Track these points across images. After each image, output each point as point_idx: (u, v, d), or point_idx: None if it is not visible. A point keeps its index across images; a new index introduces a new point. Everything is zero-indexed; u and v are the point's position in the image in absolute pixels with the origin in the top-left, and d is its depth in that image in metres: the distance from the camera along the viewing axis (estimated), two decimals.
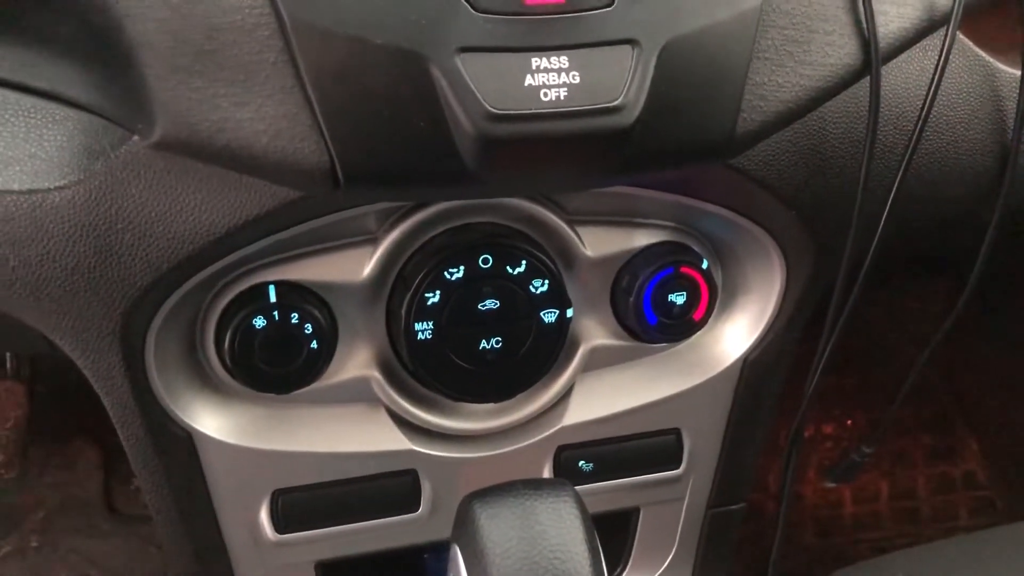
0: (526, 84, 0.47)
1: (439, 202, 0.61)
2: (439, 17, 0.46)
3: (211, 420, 0.64)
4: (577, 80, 0.48)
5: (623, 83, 0.49)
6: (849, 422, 1.53)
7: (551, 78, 0.48)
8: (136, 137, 0.51)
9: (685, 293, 0.67)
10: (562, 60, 0.48)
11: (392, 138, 0.48)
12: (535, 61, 0.48)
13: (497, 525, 0.55)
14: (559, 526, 0.55)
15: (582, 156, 0.51)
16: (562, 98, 0.48)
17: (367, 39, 0.46)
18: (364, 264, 0.62)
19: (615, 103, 0.48)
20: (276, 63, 0.47)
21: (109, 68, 0.50)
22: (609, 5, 0.48)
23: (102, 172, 0.52)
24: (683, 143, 0.52)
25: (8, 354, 1.27)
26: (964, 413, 1.55)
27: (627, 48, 0.49)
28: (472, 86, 0.47)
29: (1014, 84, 0.66)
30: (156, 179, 0.52)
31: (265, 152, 0.48)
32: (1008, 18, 0.66)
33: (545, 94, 0.48)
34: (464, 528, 0.56)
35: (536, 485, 0.57)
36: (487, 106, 0.47)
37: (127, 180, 0.52)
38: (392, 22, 0.46)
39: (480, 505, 0.56)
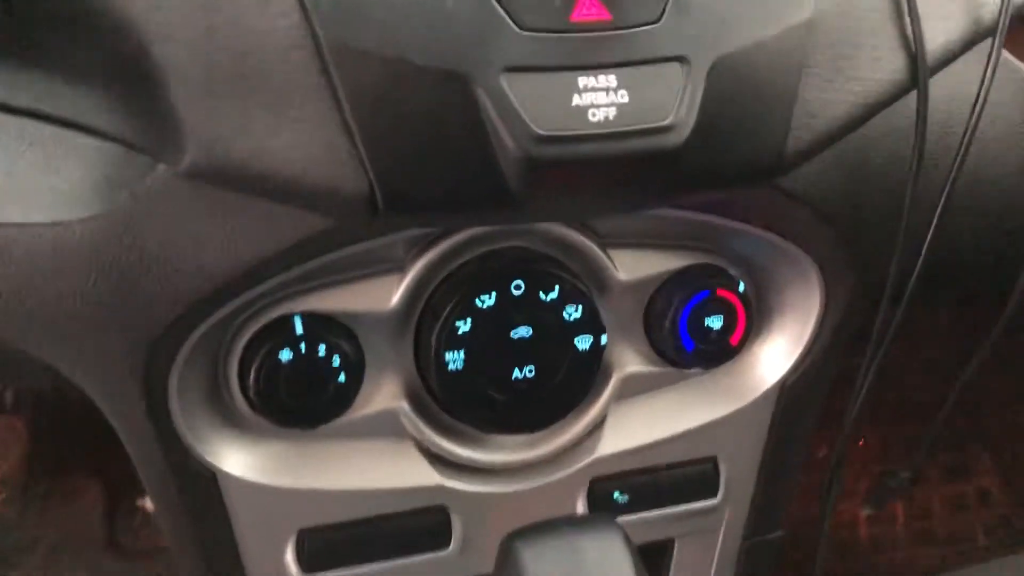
0: (573, 104, 0.46)
1: (479, 228, 0.58)
2: (482, 36, 0.45)
3: (235, 458, 0.61)
4: (626, 99, 0.46)
5: (673, 102, 0.47)
6: (861, 443, 1.51)
7: (599, 98, 0.46)
8: (162, 166, 0.49)
9: (722, 317, 0.65)
10: (610, 79, 0.46)
11: (434, 162, 0.46)
12: (582, 80, 0.46)
13: (542, 565, 0.52)
14: (607, 564, 0.53)
15: (631, 178, 0.49)
16: (611, 118, 0.46)
17: (408, 60, 0.44)
18: (392, 293, 0.60)
19: (665, 123, 0.47)
20: (313, 86, 0.45)
21: (134, 94, 0.48)
22: (656, 21, 0.47)
23: (127, 203, 0.50)
24: (733, 163, 0.50)
25: (9, 388, 1.24)
26: (977, 430, 1.53)
27: (676, 66, 0.47)
28: (518, 107, 0.45)
29: None
30: (183, 210, 0.50)
31: (301, 179, 0.46)
32: None
33: (593, 114, 0.46)
34: (506, 569, 0.53)
35: (581, 522, 0.55)
36: (534, 128, 0.45)
37: (153, 211, 0.50)
38: (434, 42, 0.44)
39: (523, 544, 0.53)
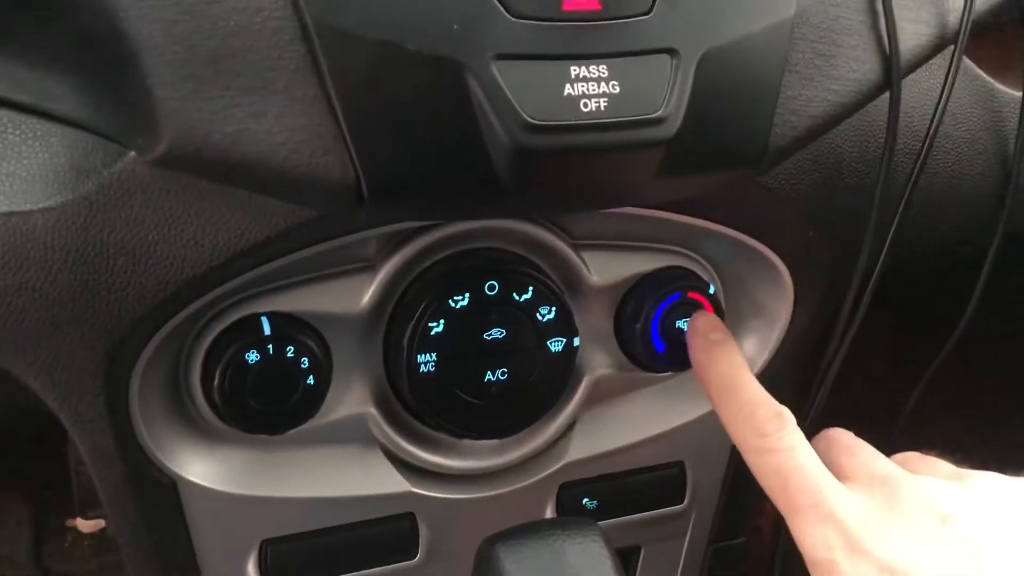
0: (565, 94, 0.45)
1: (453, 226, 0.57)
2: (474, 22, 0.43)
3: (197, 466, 0.59)
4: (617, 90, 0.45)
5: (663, 94, 0.46)
6: None
7: (591, 87, 0.45)
8: (132, 153, 0.47)
9: None
10: (601, 69, 0.45)
11: (421, 151, 0.45)
12: (574, 70, 0.45)
13: (523, 569, 0.51)
14: (588, 568, 0.52)
15: (619, 171, 0.48)
16: (602, 108, 0.45)
17: (398, 44, 0.43)
18: (362, 293, 0.58)
19: (656, 114, 0.46)
20: (297, 70, 0.43)
21: (103, 77, 0.45)
22: (647, 13, 0.46)
23: (93, 192, 0.47)
24: (718, 157, 0.50)
25: None
26: (907, 435, 1.56)
27: (666, 57, 0.46)
28: (509, 95, 0.44)
29: (1014, 106, 0.66)
30: (154, 199, 0.48)
31: (283, 166, 0.44)
32: (1007, 40, 0.66)
33: (585, 104, 0.45)
34: (486, 573, 0.52)
35: (563, 525, 0.53)
36: (526, 116, 0.44)
37: (121, 201, 0.47)
38: (424, 27, 0.43)
39: (504, 548, 0.52)
